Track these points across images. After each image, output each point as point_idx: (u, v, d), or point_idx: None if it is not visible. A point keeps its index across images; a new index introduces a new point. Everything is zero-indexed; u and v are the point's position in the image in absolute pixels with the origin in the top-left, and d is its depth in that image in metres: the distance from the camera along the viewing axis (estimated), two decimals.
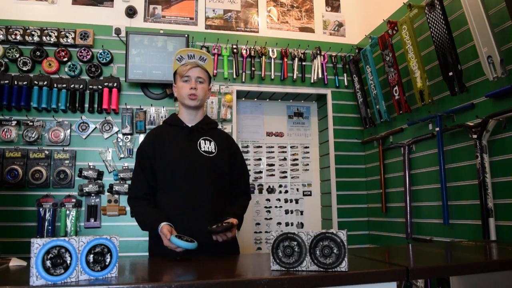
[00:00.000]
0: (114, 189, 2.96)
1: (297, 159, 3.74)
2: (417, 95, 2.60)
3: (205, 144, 1.77)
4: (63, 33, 3.06)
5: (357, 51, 3.45)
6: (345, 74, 3.56)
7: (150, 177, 1.75)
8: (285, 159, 3.72)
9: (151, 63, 3.09)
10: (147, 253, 1.88)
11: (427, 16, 2.47)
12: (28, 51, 3.01)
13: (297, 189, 3.71)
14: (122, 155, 3.07)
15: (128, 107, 3.12)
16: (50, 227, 2.85)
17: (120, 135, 3.09)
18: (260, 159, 3.66)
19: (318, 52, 3.49)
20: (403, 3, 2.77)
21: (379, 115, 3.14)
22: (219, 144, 1.80)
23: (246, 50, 3.36)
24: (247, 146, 3.63)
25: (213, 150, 1.77)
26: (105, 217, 2.98)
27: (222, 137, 1.87)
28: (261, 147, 3.68)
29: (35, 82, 2.93)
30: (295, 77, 3.45)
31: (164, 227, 1.57)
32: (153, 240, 1.76)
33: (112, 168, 3.04)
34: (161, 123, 3.04)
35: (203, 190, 1.71)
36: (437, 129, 2.49)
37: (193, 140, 1.77)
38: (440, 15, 2.36)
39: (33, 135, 2.92)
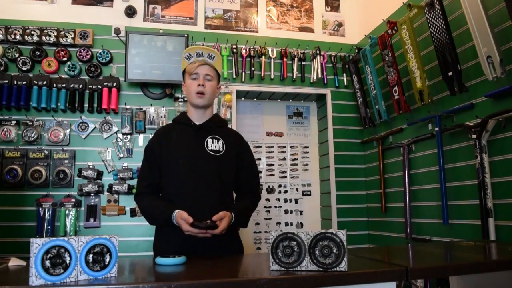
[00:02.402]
0: (113, 189, 2.95)
1: (296, 159, 3.74)
2: (416, 95, 2.60)
3: (212, 142, 1.75)
4: (62, 33, 3.05)
5: (356, 51, 3.45)
6: (344, 74, 3.56)
7: (156, 174, 1.75)
8: (284, 159, 3.72)
9: (151, 63, 3.09)
10: (146, 253, 1.88)
11: (426, 16, 2.47)
12: (28, 51, 3.01)
13: (297, 189, 3.71)
14: (121, 155, 3.07)
15: (127, 107, 3.12)
16: (49, 227, 2.85)
17: (119, 135, 3.09)
18: (259, 159, 3.66)
19: (318, 52, 3.49)
20: (403, 3, 2.77)
21: (378, 115, 3.14)
22: (227, 143, 1.78)
23: (246, 50, 3.36)
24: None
25: (221, 149, 1.75)
26: (104, 217, 2.98)
27: (231, 136, 1.84)
28: (260, 147, 3.68)
29: (35, 82, 2.93)
30: (294, 77, 3.45)
31: (182, 213, 1.55)
32: (158, 237, 1.77)
33: (112, 168, 3.04)
34: (161, 123, 3.10)
35: (207, 189, 1.69)
36: (437, 129, 2.49)
37: (200, 139, 1.75)
38: (439, 15, 2.36)
39: (32, 135, 2.92)
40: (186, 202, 1.66)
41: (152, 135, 1.87)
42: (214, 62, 1.78)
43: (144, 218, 1.78)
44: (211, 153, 1.73)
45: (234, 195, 1.89)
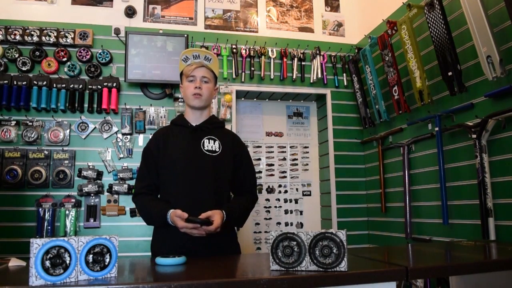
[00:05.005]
0: (113, 189, 2.95)
1: (296, 159, 3.74)
2: (416, 95, 2.60)
3: (209, 143, 1.77)
4: (62, 33, 3.05)
5: (356, 51, 3.45)
6: (344, 74, 3.56)
7: (154, 175, 1.77)
8: (284, 159, 3.72)
9: (151, 63, 3.09)
10: (146, 253, 1.87)
11: (426, 16, 2.47)
12: (28, 51, 3.01)
13: (297, 189, 3.71)
14: (121, 155, 3.07)
15: (127, 107, 3.12)
16: (49, 227, 2.85)
17: (119, 135, 3.09)
18: (259, 159, 3.66)
19: (318, 52, 3.49)
20: (403, 3, 2.77)
21: (378, 115, 3.14)
22: (224, 143, 1.80)
23: (246, 50, 3.36)
24: (246, 146, 3.63)
25: (217, 149, 1.77)
26: (104, 217, 2.98)
27: (227, 137, 1.86)
28: (260, 147, 3.68)
29: (35, 82, 2.92)
30: (294, 77, 3.45)
31: (176, 211, 1.57)
32: (156, 237, 1.77)
33: (112, 168, 3.04)
34: (161, 123, 3.10)
35: (204, 189, 1.70)
36: (437, 129, 2.49)
37: (196, 139, 1.77)
38: (439, 15, 2.36)
39: (32, 135, 2.91)
40: (182, 201, 1.67)
41: (151, 137, 1.88)
42: (211, 64, 1.80)
43: (142, 219, 1.78)
44: (208, 153, 1.75)
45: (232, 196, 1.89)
